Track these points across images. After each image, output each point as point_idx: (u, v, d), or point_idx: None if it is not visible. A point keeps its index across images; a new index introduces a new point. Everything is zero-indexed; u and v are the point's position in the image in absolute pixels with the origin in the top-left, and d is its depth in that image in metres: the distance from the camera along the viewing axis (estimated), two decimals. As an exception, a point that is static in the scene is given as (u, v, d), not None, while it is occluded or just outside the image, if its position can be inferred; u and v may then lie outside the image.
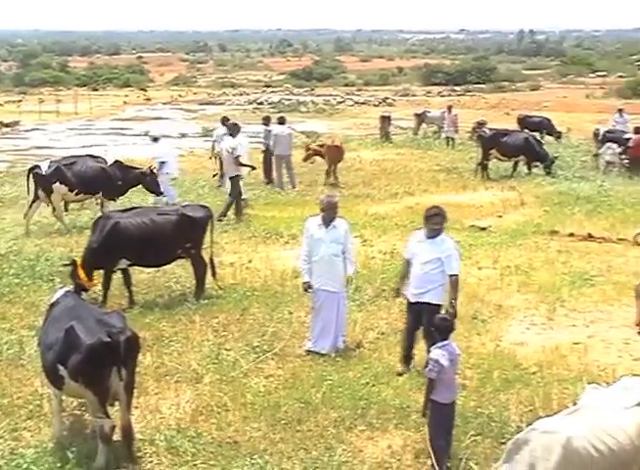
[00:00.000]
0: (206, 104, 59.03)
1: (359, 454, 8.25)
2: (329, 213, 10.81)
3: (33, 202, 17.86)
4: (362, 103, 59.27)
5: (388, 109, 48.16)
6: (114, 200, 18.34)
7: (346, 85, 77.83)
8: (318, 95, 65.40)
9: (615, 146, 25.36)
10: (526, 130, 29.09)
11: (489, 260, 15.18)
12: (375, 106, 56.93)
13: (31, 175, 17.88)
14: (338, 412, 9.08)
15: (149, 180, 18.40)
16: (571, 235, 17.13)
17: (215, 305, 12.68)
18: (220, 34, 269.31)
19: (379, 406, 9.20)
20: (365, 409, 9.13)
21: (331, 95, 65.06)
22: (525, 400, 9.25)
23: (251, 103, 58.78)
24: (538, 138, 26.96)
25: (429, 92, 69.07)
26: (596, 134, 28.24)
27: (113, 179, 18.15)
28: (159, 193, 18.66)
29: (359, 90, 72.07)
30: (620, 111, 31.97)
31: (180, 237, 12.91)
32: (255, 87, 75.51)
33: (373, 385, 9.78)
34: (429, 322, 9.39)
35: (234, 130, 19.29)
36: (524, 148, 25.16)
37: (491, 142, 25.21)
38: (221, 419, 8.94)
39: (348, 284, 11.21)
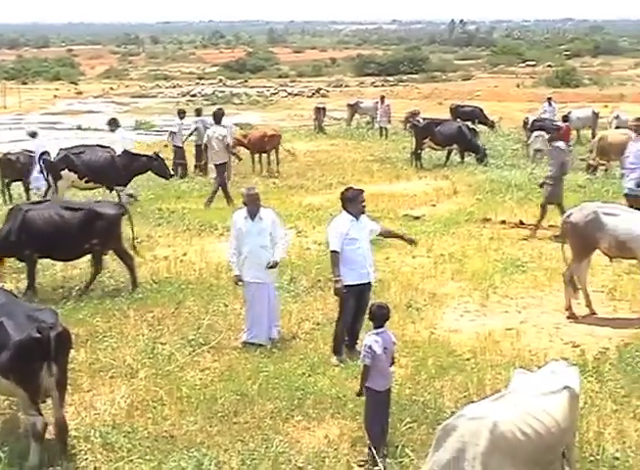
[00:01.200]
0: (139, 97, 58.56)
1: (296, 445, 8.26)
2: (252, 206, 10.81)
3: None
4: (296, 94, 59.37)
5: (322, 100, 48.24)
6: (112, 189, 18.75)
7: (280, 77, 77.79)
8: (252, 87, 65.32)
9: (543, 134, 25.76)
10: (459, 120, 29.35)
11: (423, 249, 15.28)
12: (308, 97, 57.08)
13: (40, 161, 18.54)
14: (274, 403, 9.09)
15: (157, 164, 19.19)
16: (503, 223, 17.36)
17: (150, 300, 12.59)
18: (151, 26, 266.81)
19: (315, 396, 9.22)
20: (301, 400, 9.15)
21: (264, 87, 65.02)
22: (460, 387, 9.35)
23: (184, 95, 58.49)
24: (472, 127, 27.23)
25: (362, 83, 69.38)
26: (525, 123, 28.68)
27: (120, 169, 18.63)
28: (169, 176, 19.67)
29: (293, 81, 72.10)
30: (550, 100, 32.50)
31: (87, 233, 12.84)
32: (188, 79, 75.06)
33: (309, 375, 9.80)
34: (368, 300, 10.01)
35: (219, 117, 19.95)
36: (457, 137, 25.40)
37: (425, 131, 25.40)
38: (157, 414, 8.87)
39: (272, 269, 10.97)
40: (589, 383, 9.41)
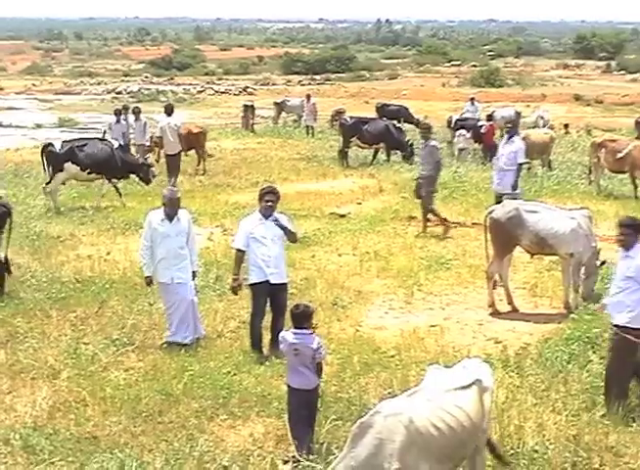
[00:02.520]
0: (63, 93, 57.62)
1: (221, 444, 8.24)
2: (171, 208, 10.64)
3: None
4: (223, 92, 59.15)
5: (249, 98, 48.10)
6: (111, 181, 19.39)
7: (207, 74, 77.37)
8: (178, 84, 64.82)
9: (465, 132, 26.14)
10: (385, 118, 29.54)
11: (349, 247, 15.40)
12: (235, 95, 56.92)
13: (44, 153, 18.86)
14: (199, 402, 9.04)
15: (145, 170, 19.87)
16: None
17: (73, 299, 12.41)
18: (75, 22, 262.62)
19: (240, 395, 9.20)
20: (227, 398, 9.12)
21: (191, 84, 64.61)
22: (384, 383, 9.41)
23: (109, 92, 57.69)
24: (398, 126, 27.45)
25: (289, 81, 69.44)
26: (449, 122, 29.02)
27: (118, 162, 19.32)
28: (147, 183, 19.98)
29: (219, 79, 71.79)
30: (472, 100, 32.92)
31: None
32: (114, 76, 74.13)
33: (234, 374, 9.77)
34: (284, 301, 10.16)
35: (170, 110, 21.25)
36: (384, 136, 25.60)
37: (352, 130, 25.53)
38: (80, 415, 8.75)
39: (195, 279, 11.00)
40: (510, 378, 9.58)
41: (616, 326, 8.74)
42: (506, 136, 16.99)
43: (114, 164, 19.21)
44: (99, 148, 19.36)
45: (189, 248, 10.77)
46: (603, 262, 12.30)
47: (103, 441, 8.24)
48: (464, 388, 6.68)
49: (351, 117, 27.02)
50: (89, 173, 19.10)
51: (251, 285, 10.34)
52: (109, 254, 14.90)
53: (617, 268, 8.82)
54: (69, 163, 18.68)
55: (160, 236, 10.63)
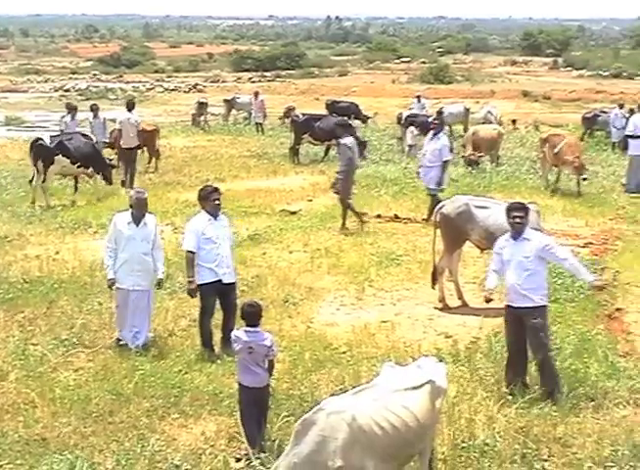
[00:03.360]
0: (9, 91, 56.73)
1: (173, 443, 8.20)
2: (139, 210, 10.47)
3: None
4: (172, 89, 58.71)
5: (201, 95, 47.82)
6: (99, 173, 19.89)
7: (156, 72, 76.70)
8: (127, 82, 64.19)
9: (414, 129, 26.28)
10: (335, 115, 29.57)
11: (300, 244, 15.42)
12: (185, 92, 56.52)
13: (33, 147, 19.24)
14: (150, 402, 9.00)
15: (110, 169, 20.20)
16: (379, 217, 17.62)
17: (21, 300, 12.24)
18: (21, 19, 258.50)
19: (192, 393, 9.18)
20: (178, 397, 9.09)
21: (140, 82, 64.02)
22: (336, 379, 9.44)
23: (56, 90, 56.92)
24: (349, 123, 27.47)
25: (239, 78, 69.13)
26: (399, 119, 29.13)
27: (101, 155, 20.21)
28: (110, 183, 20.21)
29: (169, 77, 71.21)
30: (419, 97, 33.10)
31: None
32: (61, 74, 73.09)
33: (186, 372, 9.75)
34: (235, 300, 10.27)
35: (131, 105, 21.96)
36: (335, 132, 25.56)
37: (304, 127, 25.56)
38: (28, 416, 8.65)
39: (160, 285, 10.89)
40: (461, 372, 9.67)
41: (529, 308, 8.94)
42: (431, 133, 17.20)
43: (99, 157, 19.95)
44: (83, 141, 19.86)
45: (154, 255, 10.60)
46: None
47: (52, 442, 8.16)
48: (414, 388, 6.72)
49: (303, 114, 27.05)
50: (78, 167, 19.50)
51: (201, 285, 10.28)
52: (57, 253, 14.74)
53: (512, 254, 9.02)
54: (60, 156, 19.06)
55: (125, 239, 10.44)
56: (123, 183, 20.51)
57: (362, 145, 25.45)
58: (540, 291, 9.06)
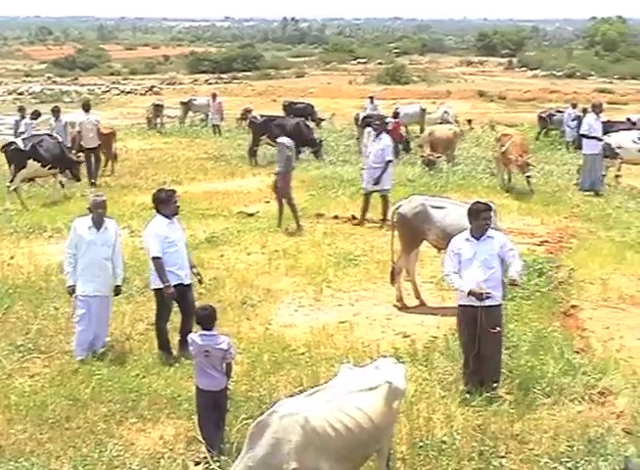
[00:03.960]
0: (-39, 95, 56.01)
1: (131, 447, 8.15)
2: (98, 213, 10.32)
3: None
4: (128, 92, 58.37)
5: (157, 97, 47.57)
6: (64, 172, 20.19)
7: (112, 74, 76.24)
8: (82, 85, 63.76)
9: (371, 130, 26.33)
10: (292, 116, 29.58)
11: (257, 246, 15.39)
12: (142, 95, 56.20)
13: (7, 152, 19.35)
14: (108, 407, 8.93)
15: (77, 166, 20.49)
16: (336, 217, 17.62)
17: (-26, 306, 12.08)
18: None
19: (150, 397, 9.12)
20: (136, 401, 9.03)
21: (96, 84, 63.63)
22: (294, 381, 9.44)
23: (10, 93, 56.37)
24: (308, 123, 27.60)
25: (196, 80, 68.93)
26: (356, 119, 29.23)
27: (67, 154, 20.25)
28: (78, 180, 20.62)
29: (125, 79, 70.87)
30: (371, 98, 33.22)
31: None
32: (15, 77, 72.34)
33: (143, 376, 9.68)
34: (193, 301, 10.34)
35: (88, 106, 22.55)
36: (294, 133, 25.64)
37: (263, 128, 25.55)
38: (-17, 424, 8.55)
39: (118, 291, 10.74)
40: (419, 371, 9.71)
41: (491, 306, 8.96)
42: (373, 134, 17.30)
43: (65, 157, 20.05)
44: (52, 143, 19.91)
45: (114, 260, 10.47)
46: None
47: (8, 450, 8.06)
48: (370, 389, 6.74)
49: (262, 116, 27.07)
50: (49, 169, 19.67)
51: (161, 289, 10.19)
52: (12, 258, 14.57)
53: (475, 253, 9.00)
54: (32, 159, 19.16)
55: (86, 244, 10.27)
56: (93, 184, 21.00)
57: (319, 145, 25.64)
58: (500, 289, 9.13)
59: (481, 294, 8.79)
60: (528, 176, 20.13)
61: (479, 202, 9.50)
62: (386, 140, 17.12)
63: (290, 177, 16.99)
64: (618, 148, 21.12)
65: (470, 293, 8.83)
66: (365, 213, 17.18)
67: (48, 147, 19.67)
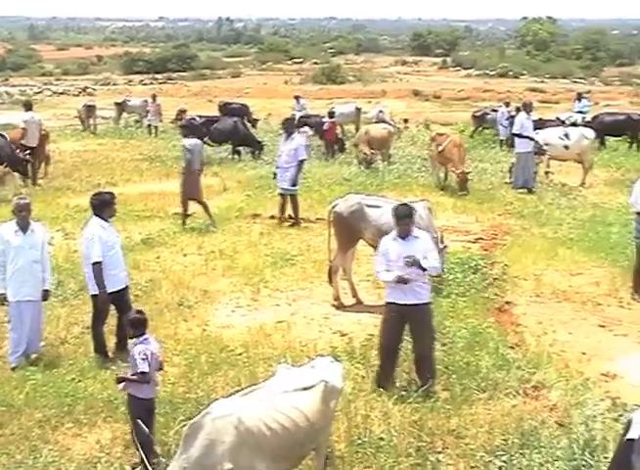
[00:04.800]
0: None
1: (67, 452, 8.05)
2: (22, 216, 10.10)
3: None
4: (61, 93, 57.53)
5: (90, 98, 47.01)
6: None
7: (44, 75, 75.23)
8: (13, 85, 62.62)
9: (308, 129, 26.46)
10: (228, 116, 29.48)
11: (194, 247, 15.32)
12: (75, 96, 55.45)
13: None
14: (43, 412, 8.80)
15: (26, 164, 20.69)
16: (272, 217, 17.60)
17: None
18: None
19: (86, 401, 9.01)
20: (72, 406, 8.91)
21: (27, 85, 62.56)
22: (232, 381, 9.41)
23: (-63, 94, 55.15)
24: (246, 123, 27.61)
25: (130, 81, 68.33)
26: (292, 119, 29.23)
27: (15, 152, 20.40)
28: (27, 176, 20.95)
29: (58, 80, 69.93)
30: (297, 98, 33.31)
31: None
32: (-58, 78, 70.97)
33: (79, 380, 9.56)
34: (130, 302, 10.35)
35: (29, 105, 22.40)
36: (232, 133, 25.80)
37: (203, 129, 25.49)
38: None
39: (46, 296, 10.51)
40: (357, 369, 9.76)
41: (418, 304, 9.06)
42: (285, 134, 17.34)
43: (13, 155, 20.21)
44: (3, 142, 20.10)
45: (42, 264, 10.27)
46: (445, 247, 12.79)
47: (-61, 459, 7.91)
48: (305, 389, 6.76)
49: (200, 117, 27.02)
50: (5, 167, 19.87)
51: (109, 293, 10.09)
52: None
53: (400, 253, 9.04)
54: None
55: (14, 249, 10.04)
56: (34, 184, 21.22)
57: (259, 146, 25.73)
58: (426, 287, 9.20)
59: (408, 279, 8.91)
60: (466, 180, 20.26)
61: (403, 204, 9.59)
62: (298, 139, 17.17)
63: (195, 178, 16.88)
64: (546, 145, 21.48)
65: (398, 280, 8.92)
66: (284, 212, 17.17)
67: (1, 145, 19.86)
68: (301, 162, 17.03)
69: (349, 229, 12.38)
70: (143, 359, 7.57)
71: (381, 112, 31.23)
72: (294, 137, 17.12)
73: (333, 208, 12.66)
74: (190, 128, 17.96)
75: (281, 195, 17.25)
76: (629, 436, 5.51)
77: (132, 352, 7.69)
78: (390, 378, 9.26)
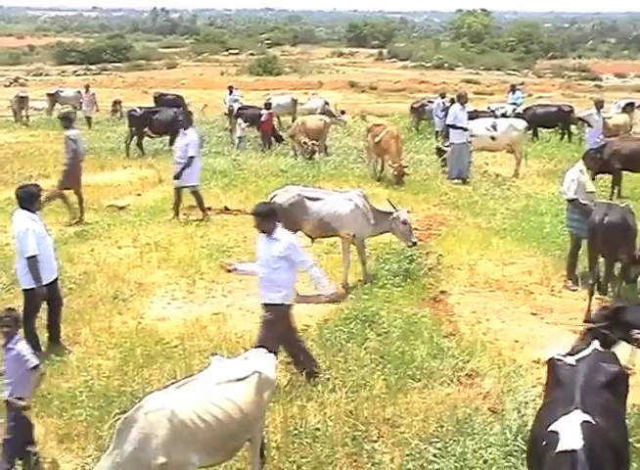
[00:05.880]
0: None
1: (0, 448, 7.93)
2: None
3: None
4: (-8, 83, 56.40)
5: (22, 89, 46.20)
6: None
7: (-27, 65, 73.61)
8: (-59, 76, 61.24)
9: (242, 121, 26.38)
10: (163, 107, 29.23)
11: (129, 239, 15.18)
12: (6, 86, 54.39)
13: None
14: (-27, 408, 8.65)
15: None
16: (209, 209, 17.49)
17: None
18: None
19: (18, 397, 8.87)
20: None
21: (-43, 75, 61.24)
22: (168, 374, 9.37)
23: None
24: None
25: (63, 71, 67.24)
26: (231, 111, 29.15)
27: None
28: None
29: (-12, 70, 68.47)
30: (230, 88, 33.16)
31: None
32: None
33: (11, 375, 9.41)
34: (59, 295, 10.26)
35: None
36: (172, 124, 25.48)
37: (143, 120, 25.25)
38: None
39: None
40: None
41: (266, 305, 9.14)
42: (181, 130, 17.15)
43: None
44: None
45: None
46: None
47: None
48: (239, 380, 6.76)
49: (140, 108, 26.73)
50: None
51: (31, 289, 9.92)
52: None
53: (261, 251, 9.17)
54: None
55: None
56: None
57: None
58: (274, 290, 9.10)
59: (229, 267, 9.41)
60: (403, 174, 20.36)
61: (262, 203, 9.70)
62: (190, 136, 16.82)
63: (77, 169, 16.73)
64: (472, 136, 21.28)
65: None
66: (178, 208, 16.97)
67: None
68: (191, 158, 16.67)
69: (289, 221, 12.29)
70: (32, 353, 7.46)
71: (326, 103, 31.27)
72: (187, 133, 16.77)
73: (271, 199, 12.64)
74: (70, 120, 17.62)
75: (176, 189, 16.90)
76: (564, 447, 5.39)
77: (16, 349, 7.40)
78: (314, 366, 9.30)
